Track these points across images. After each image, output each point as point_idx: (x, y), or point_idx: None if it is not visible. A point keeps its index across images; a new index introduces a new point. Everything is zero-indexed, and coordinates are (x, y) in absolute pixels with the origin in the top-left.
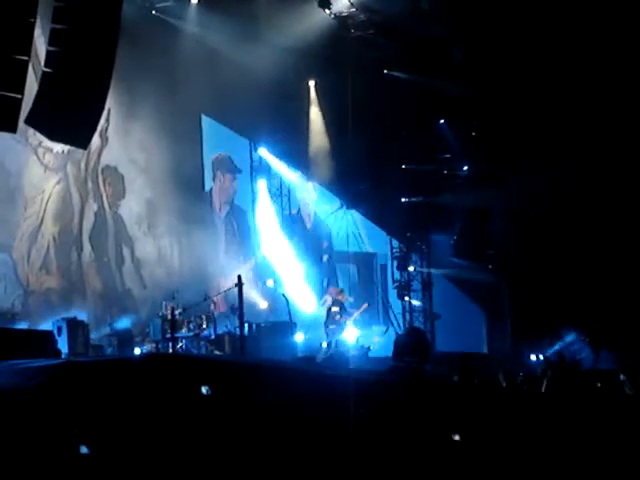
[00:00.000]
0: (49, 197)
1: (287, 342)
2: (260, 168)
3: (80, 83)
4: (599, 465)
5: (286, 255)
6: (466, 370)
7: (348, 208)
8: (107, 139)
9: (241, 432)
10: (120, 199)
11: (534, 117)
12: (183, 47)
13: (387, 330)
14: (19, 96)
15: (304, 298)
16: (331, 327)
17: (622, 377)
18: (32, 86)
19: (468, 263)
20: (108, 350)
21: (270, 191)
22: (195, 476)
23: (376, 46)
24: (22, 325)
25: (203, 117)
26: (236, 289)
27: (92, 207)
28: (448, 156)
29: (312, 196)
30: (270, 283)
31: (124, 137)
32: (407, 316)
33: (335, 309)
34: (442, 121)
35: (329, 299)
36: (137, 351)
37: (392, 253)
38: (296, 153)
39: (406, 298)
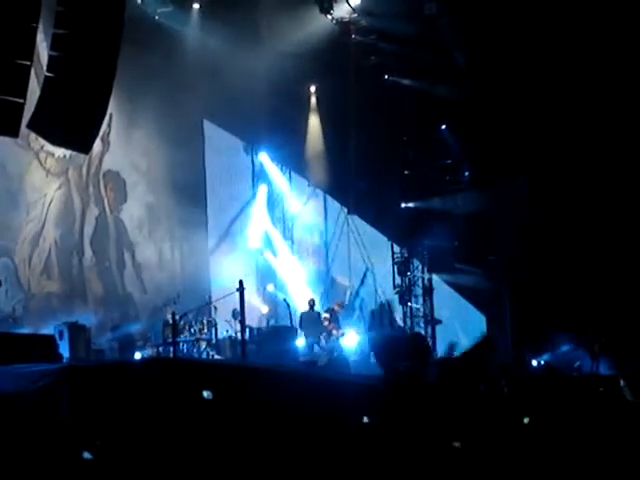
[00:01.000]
0: (51, 201)
1: (288, 347)
2: (261, 173)
3: (82, 88)
4: (598, 470)
5: (287, 259)
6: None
7: (349, 213)
8: (109, 144)
9: (241, 436)
10: (121, 204)
11: (536, 122)
12: (185, 52)
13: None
14: (21, 101)
15: (303, 299)
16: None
17: (622, 383)
18: (34, 91)
19: (469, 268)
20: (110, 354)
21: (271, 195)
22: (196, 479)
23: (377, 51)
24: (23, 329)
25: (205, 122)
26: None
27: (93, 212)
28: (449, 162)
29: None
30: (271, 288)
31: (126, 142)
32: (408, 321)
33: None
34: (443, 127)
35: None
36: (138, 355)
37: (393, 258)
38: (297, 158)
39: (408, 303)
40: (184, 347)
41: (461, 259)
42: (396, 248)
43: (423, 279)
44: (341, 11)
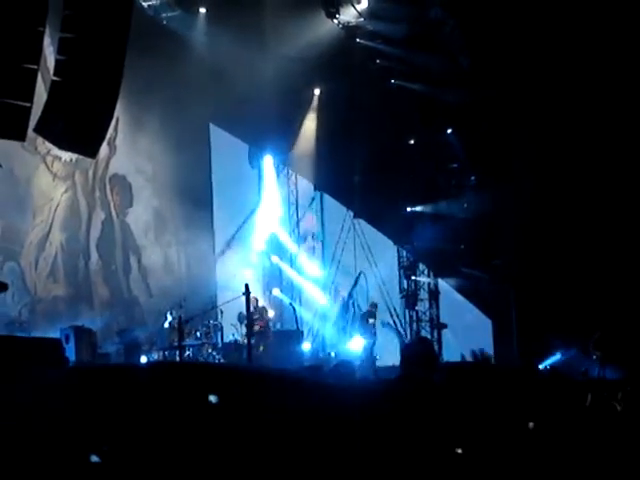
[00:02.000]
0: (57, 205)
1: (294, 351)
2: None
3: (89, 92)
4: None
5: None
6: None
7: (355, 217)
8: (115, 148)
9: (246, 441)
10: (127, 208)
11: (541, 125)
12: (191, 57)
13: None
14: (28, 105)
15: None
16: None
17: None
18: (41, 95)
19: (475, 272)
20: (116, 358)
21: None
22: None
23: (383, 55)
24: (29, 333)
25: (211, 126)
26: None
27: (100, 215)
28: (455, 166)
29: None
30: (277, 292)
31: (132, 146)
32: (414, 325)
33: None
34: (449, 131)
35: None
36: (144, 359)
37: (399, 262)
38: (303, 162)
39: (416, 307)
40: (190, 351)
41: (467, 263)
42: (401, 252)
43: (429, 283)
44: (347, 15)
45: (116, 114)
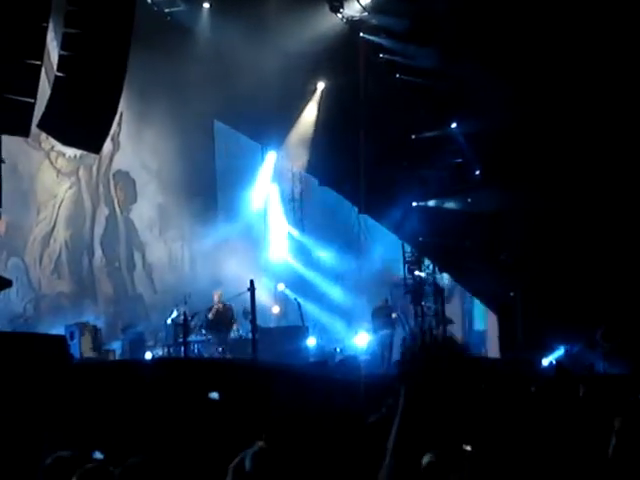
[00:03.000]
0: (61, 201)
1: (299, 346)
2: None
3: (93, 87)
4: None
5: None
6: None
7: (360, 213)
8: (119, 144)
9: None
10: (131, 204)
11: (549, 118)
12: (195, 51)
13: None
14: (32, 100)
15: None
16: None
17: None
18: (45, 90)
19: (480, 267)
20: (120, 355)
21: (282, 195)
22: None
23: (387, 50)
24: (34, 329)
25: (215, 122)
26: (248, 293)
27: (104, 212)
28: (460, 160)
29: None
30: (281, 287)
31: (136, 142)
32: (419, 321)
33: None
34: (454, 125)
35: None
36: (149, 355)
37: (404, 258)
38: (306, 157)
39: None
40: (195, 347)
41: (472, 258)
42: (407, 247)
43: (434, 278)
44: (351, 10)
45: (120, 110)
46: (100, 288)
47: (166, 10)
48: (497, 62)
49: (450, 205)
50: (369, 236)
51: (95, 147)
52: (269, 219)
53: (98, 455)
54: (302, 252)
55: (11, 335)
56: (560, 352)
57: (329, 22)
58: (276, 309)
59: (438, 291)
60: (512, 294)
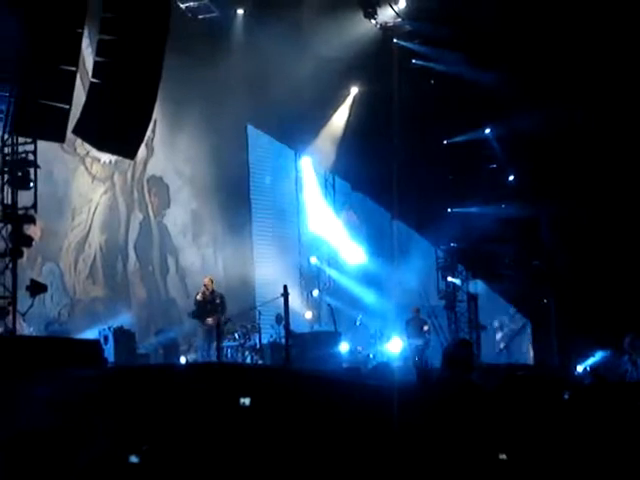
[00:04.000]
0: (96, 207)
1: (332, 352)
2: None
3: (127, 94)
4: None
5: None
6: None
7: (393, 219)
8: (153, 149)
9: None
10: (165, 209)
11: (586, 124)
12: (229, 57)
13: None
14: (67, 106)
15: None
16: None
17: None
18: (80, 97)
19: (514, 274)
20: (154, 359)
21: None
22: None
23: (421, 55)
24: (68, 334)
25: (249, 127)
26: (281, 299)
27: (138, 217)
28: (494, 166)
29: None
30: (315, 293)
31: (170, 147)
32: (453, 327)
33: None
34: (488, 130)
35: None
36: (183, 360)
37: (437, 263)
38: (340, 162)
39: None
40: (228, 352)
41: (506, 265)
42: (439, 253)
43: (467, 284)
44: (385, 16)
45: (154, 116)
46: (134, 292)
47: (200, 16)
48: (532, 68)
49: (484, 211)
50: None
51: (130, 153)
52: (303, 224)
53: (134, 459)
54: (336, 257)
55: (45, 340)
56: (595, 359)
57: (363, 28)
58: (309, 314)
59: (471, 297)
60: (545, 301)
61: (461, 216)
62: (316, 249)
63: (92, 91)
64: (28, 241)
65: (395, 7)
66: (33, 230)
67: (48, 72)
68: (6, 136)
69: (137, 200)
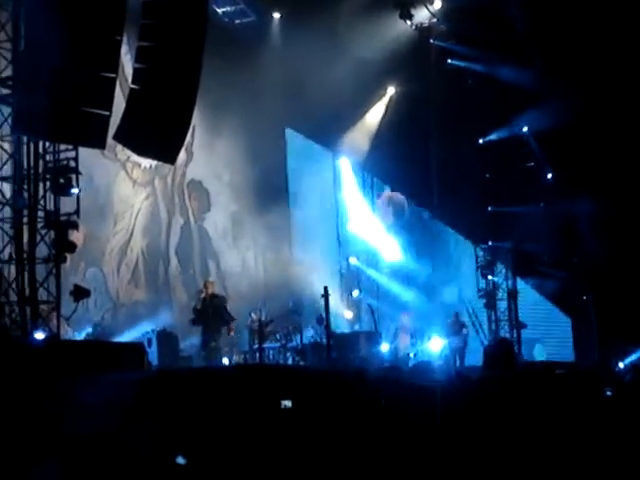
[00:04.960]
0: (138, 212)
1: (372, 352)
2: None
3: (167, 99)
4: None
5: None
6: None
7: (431, 218)
8: (192, 154)
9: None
10: (205, 213)
11: (624, 123)
12: (266, 61)
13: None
14: (107, 113)
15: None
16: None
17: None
18: (120, 103)
19: (554, 271)
20: (197, 361)
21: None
22: None
23: (458, 55)
24: (112, 338)
25: (286, 130)
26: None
27: (179, 221)
28: (532, 164)
29: None
30: (356, 293)
31: (209, 152)
32: (493, 325)
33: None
34: (525, 129)
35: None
36: (225, 361)
37: (477, 262)
38: (377, 163)
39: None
40: (270, 353)
41: (546, 262)
42: (479, 251)
43: (507, 282)
44: (421, 16)
45: (193, 120)
46: (175, 296)
47: (237, 21)
48: (570, 66)
49: (522, 209)
50: (442, 240)
51: (170, 157)
52: (342, 225)
53: (181, 460)
54: (375, 256)
55: (91, 343)
56: (636, 355)
57: (399, 29)
58: (349, 314)
59: (511, 295)
60: (585, 298)
61: (500, 215)
62: (355, 249)
63: (132, 97)
64: (71, 247)
65: (430, 7)
66: (76, 236)
67: (88, 79)
68: (47, 144)
69: (178, 205)
